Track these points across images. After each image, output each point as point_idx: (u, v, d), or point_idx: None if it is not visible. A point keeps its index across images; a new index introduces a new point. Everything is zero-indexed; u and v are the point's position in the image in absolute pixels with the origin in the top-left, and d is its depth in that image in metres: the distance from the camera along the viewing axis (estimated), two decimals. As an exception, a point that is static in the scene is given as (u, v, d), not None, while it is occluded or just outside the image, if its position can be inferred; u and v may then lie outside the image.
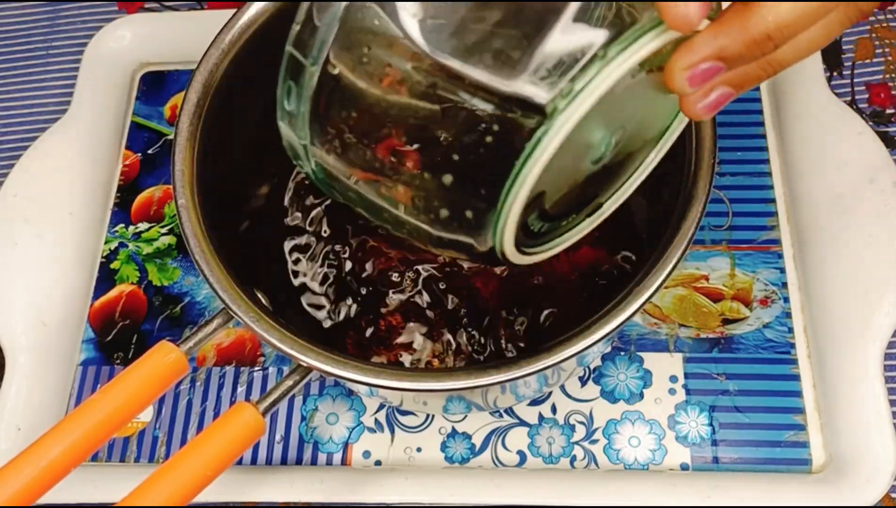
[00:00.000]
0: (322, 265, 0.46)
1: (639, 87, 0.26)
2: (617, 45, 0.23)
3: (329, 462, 0.43)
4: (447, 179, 0.25)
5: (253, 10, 0.38)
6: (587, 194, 0.30)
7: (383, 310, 0.45)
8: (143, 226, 0.51)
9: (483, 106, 0.23)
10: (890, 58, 0.52)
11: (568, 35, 0.23)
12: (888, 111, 0.51)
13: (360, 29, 0.24)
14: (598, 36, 0.23)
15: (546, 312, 0.44)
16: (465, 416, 0.44)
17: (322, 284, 0.46)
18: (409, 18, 0.24)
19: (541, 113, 0.23)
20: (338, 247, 0.47)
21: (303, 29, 0.25)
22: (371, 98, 0.25)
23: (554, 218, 0.29)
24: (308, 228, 0.47)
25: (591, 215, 0.31)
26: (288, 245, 0.47)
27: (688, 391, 0.43)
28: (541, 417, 0.43)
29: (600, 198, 0.31)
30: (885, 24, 0.53)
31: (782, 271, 0.46)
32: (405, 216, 0.27)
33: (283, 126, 0.28)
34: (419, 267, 0.45)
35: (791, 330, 0.44)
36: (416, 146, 0.25)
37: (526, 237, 0.28)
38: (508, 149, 0.24)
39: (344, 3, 0.24)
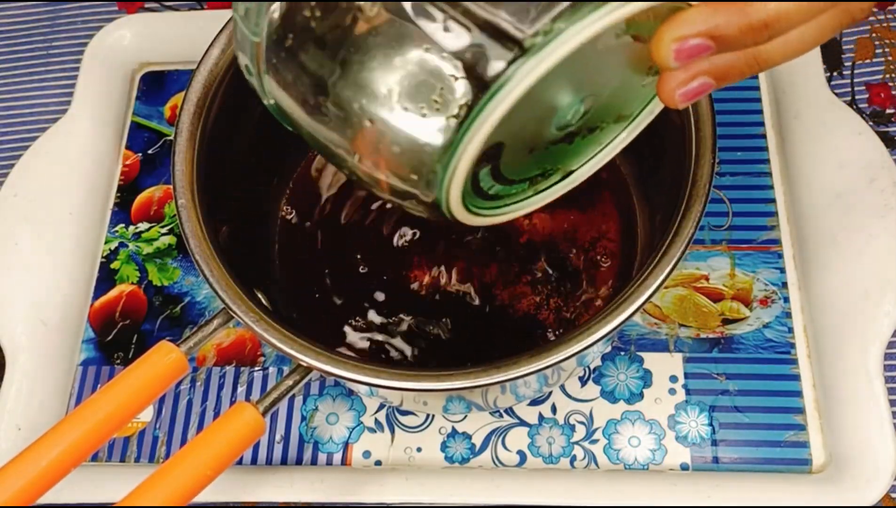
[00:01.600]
0: (322, 264, 0.46)
1: (619, 53, 0.25)
2: None
3: (329, 462, 0.43)
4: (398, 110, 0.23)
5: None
6: (545, 163, 0.29)
7: (381, 303, 0.45)
8: (143, 226, 0.51)
9: (456, 31, 0.22)
10: (890, 58, 0.52)
11: None
12: (888, 111, 0.51)
13: None
14: None
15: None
16: (466, 416, 0.44)
17: (323, 283, 0.46)
18: None
19: (518, 47, 0.21)
20: (338, 245, 0.47)
21: None
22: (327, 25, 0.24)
23: (506, 182, 0.28)
24: (308, 226, 0.48)
25: (545, 190, 0.29)
26: (288, 245, 0.47)
27: (688, 391, 0.43)
28: (541, 417, 0.43)
29: (557, 174, 0.30)
30: (885, 24, 0.53)
31: (782, 271, 0.46)
32: (346, 156, 0.26)
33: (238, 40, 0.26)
34: (417, 265, 0.45)
35: (791, 330, 0.44)
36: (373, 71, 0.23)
37: (476, 196, 0.26)
38: (474, 83, 0.22)
39: None
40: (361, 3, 0.23)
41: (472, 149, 0.23)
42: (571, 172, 0.30)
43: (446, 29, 0.22)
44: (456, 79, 0.22)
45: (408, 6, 0.22)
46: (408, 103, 0.23)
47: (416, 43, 0.22)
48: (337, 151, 0.26)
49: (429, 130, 0.23)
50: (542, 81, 0.22)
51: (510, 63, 0.21)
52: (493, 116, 0.22)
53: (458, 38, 0.22)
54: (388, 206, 0.47)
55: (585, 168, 0.30)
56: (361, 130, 0.24)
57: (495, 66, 0.21)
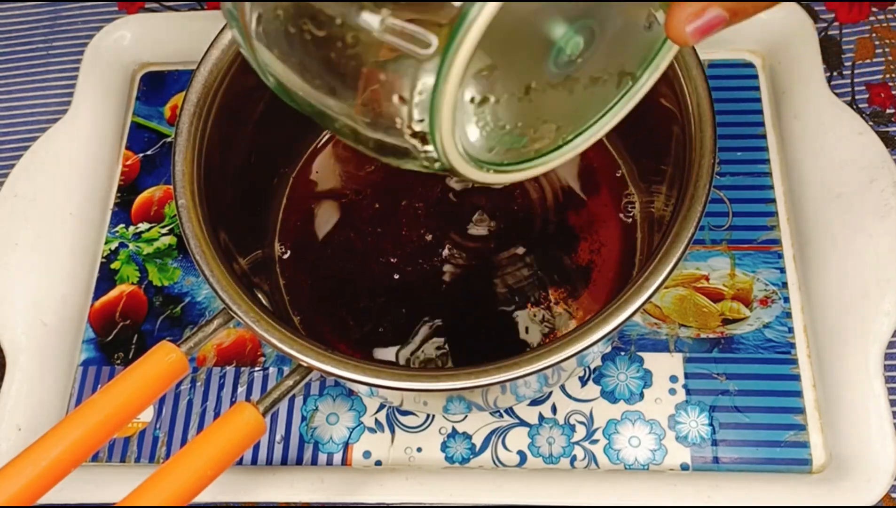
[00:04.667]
0: (322, 263, 0.46)
1: None
2: None
3: (329, 462, 0.43)
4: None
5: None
6: (553, 116, 0.28)
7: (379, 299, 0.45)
8: (143, 226, 0.51)
9: None
10: (890, 58, 0.52)
11: None
12: (888, 111, 0.51)
13: None
14: None
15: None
16: (466, 416, 0.44)
17: (323, 282, 0.46)
18: None
19: None
20: (338, 244, 0.47)
21: None
22: None
23: (504, 130, 0.26)
24: (307, 226, 0.48)
25: (559, 148, 0.28)
26: (288, 244, 0.47)
27: (688, 391, 0.43)
28: (541, 417, 0.43)
29: (569, 131, 0.29)
30: (885, 24, 0.53)
31: (782, 271, 0.46)
32: (337, 114, 0.25)
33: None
34: (418, 262, 0.46)
35: (791, 330, 0.44)
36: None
37: (478, 147, 0.26)
38: None
39: None
40: None
41: (462, 55, 0.21)
42: (573, 138, 0.29)
43: None
44: None
45: None
46: (392, 21, 0.22)
47: None
48: (329, 98, 0.25)
49: (416, 41, 0.22)
50: None
51: None
52: (481, 16, 0.21)
53: None
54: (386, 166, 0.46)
55: (588, 133, 0.29)
56: (351, 49, 0.23)
57: None
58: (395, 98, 0.23)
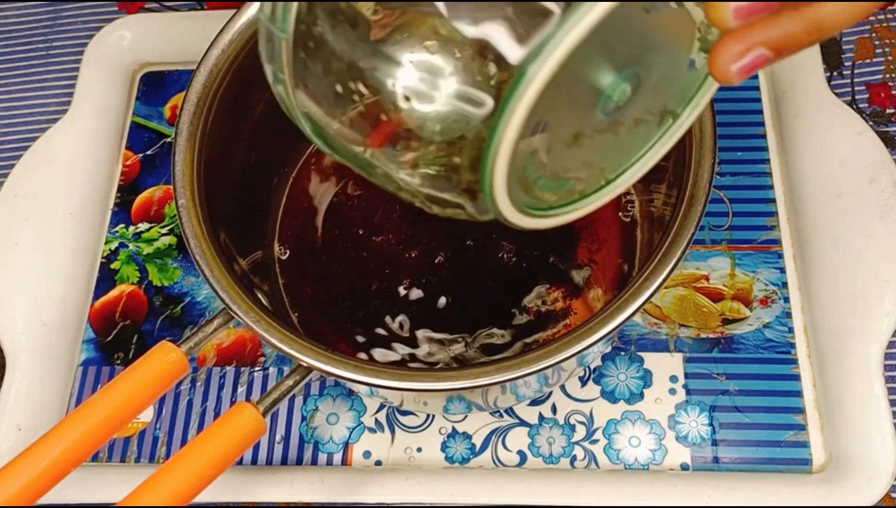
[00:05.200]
0: (322, 263, 0.46)
1: (664, 21, 0.24)
2: None
3: (329, 462, 0.43)
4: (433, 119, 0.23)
5: (253, 10, 0.38)
6: (591, 160, 0.28)
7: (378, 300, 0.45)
8: (143, 226, 0.51)
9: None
10: (890, 58, 0.52)
11: None
12: (888, 111, 0.51)
13: None
14: None
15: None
16: (466, 416, 0.44)
17: (323, 282, 0.46)
18: None
19: (557, 5, 0.20)
20: (338, 244, 0.47)
21: None
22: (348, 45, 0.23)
23: (552, 177, 0.27)
24: (307, 226, 0.48)
25: (602, 187, 0.29)
26: (287, 244, 0.47)
27: (688, 391, 0.43)
28: (541, 417, 0.43)
29: (612, 172, 0.29)
30: (885, 24, 0.53)
31: (782, 271, 0.46)
32: (389, 170, 0.25)
33: (268, 73, 0.26)
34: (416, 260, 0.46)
35: (791, 330, 0.44)
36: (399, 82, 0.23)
37: (526, 195, 0.26)
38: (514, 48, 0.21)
39: None
40: None
41: (517, 117, 0.22)
42: (616, 178, 0.29)
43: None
44: (497, 40, 0.21)
45: None
46: (446, 76, 0.22)
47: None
48: (375, 156, 0.25)
49: (472, 101, 0.22)
50: (584, 43, 0.21)
51: (555, 17, 0.21)
52: (536, 79, 0.21)
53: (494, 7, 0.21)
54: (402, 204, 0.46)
55: (631, 171, 0.29)
56: (397, 112, 0.23)
57: (535, 28, 0.21)
58: (452, 159, 0.24)
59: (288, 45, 0.25)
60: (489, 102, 0.22)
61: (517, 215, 0.26)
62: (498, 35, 0.21)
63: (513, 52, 0.21)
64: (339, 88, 0.24)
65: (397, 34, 0.23)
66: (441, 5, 0.22)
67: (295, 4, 0.24)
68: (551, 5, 0.21)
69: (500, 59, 0.21)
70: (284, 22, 0.24)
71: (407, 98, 0.23)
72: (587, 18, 0.21)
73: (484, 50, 0.22)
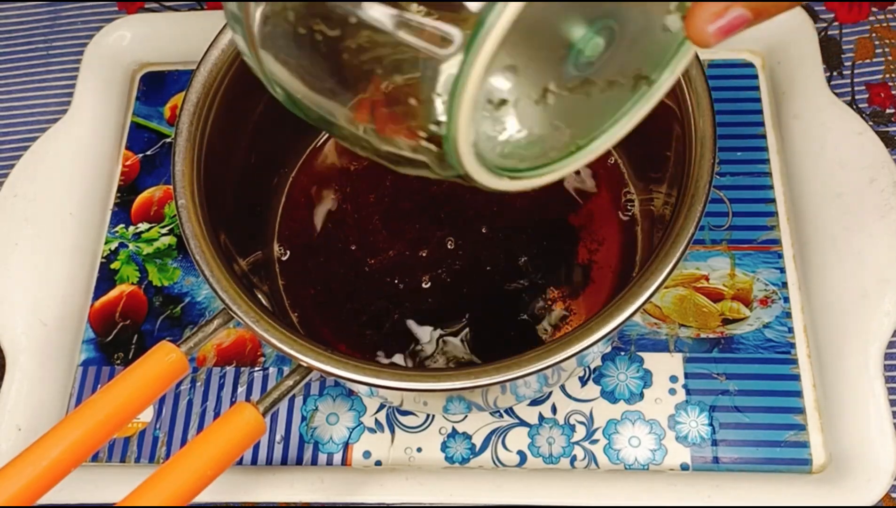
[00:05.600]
0: (322, 263, 0.46)
1: None
2: None
3: (329, 462, 0.43)
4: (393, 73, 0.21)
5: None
6: (568, 121, 0.27)
7: (380, 299, 0.45)
8: (143, 226, 0.51)
9: None
10: (890, 58, 0.52)
11: None
12: (888, 111, 0.51)
13: None
14: None
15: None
16: (466, 416, 0.44)
17: (323, 282, 0.46)
18: None
19: None
20: (338, 244, 0.47)
21: None
22: None
23: (521, 135, 0.26)
24: (307, 226, 0.48)
25: (573, 153, 0.28)
26: (287, 244, 0.47)
27: (688, 391, 0.43)
28: (541, 417, 0.43)
29: (583, 137, 0.28)
30: (884, 24, 0.53)
31: (782, 271, 0.46)
32: (348, 123, 0.24)
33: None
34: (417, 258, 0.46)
35: (791, 330, 0.44)
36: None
37: (494, 155, 0.25)
38: None
39: None
40: None
41: (485, 52, 0.21)
42: (588, 144, 0.28)
43: None
44: None
45: None
46: (412, 10, 0.21)
47: None
48: (338, 102, 0.24)
49: (433, 38, 0.21)
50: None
51: None
52: (508, 10, 0.20)
53: None
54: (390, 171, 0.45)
55: (602, 138, 0.28)
56: (365, 52, 0.22)
57: None
58: (411, 102, 0.23)
59: (248, 10, 0.24)
60: (457, 37, 0.21)
61: (482, 172, 0.25)
62: None
63: None
64: (298, 23, 0.23)
65: None
66: None
67: None
68: None
69: None
70: None
71: (366, 32, 0.22)
72: None
73: None
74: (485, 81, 0.21)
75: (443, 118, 0.22)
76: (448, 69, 0.21)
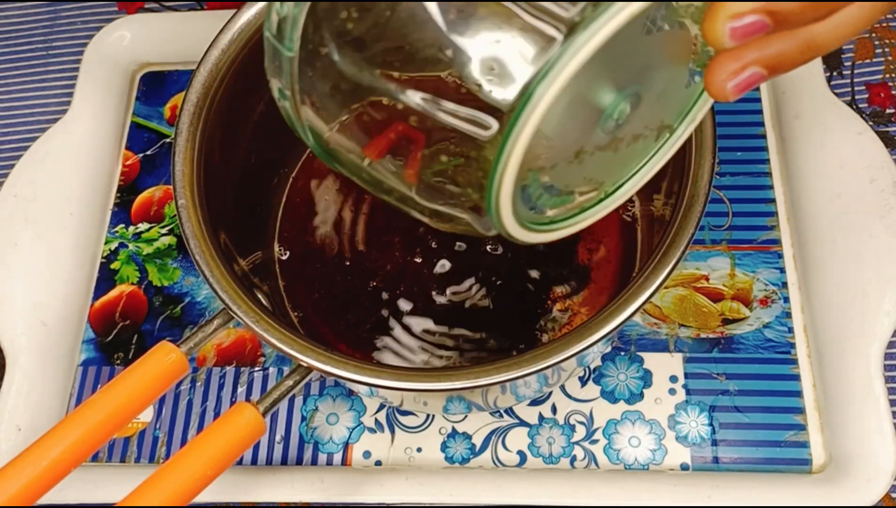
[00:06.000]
0: (322, 263, 0.46)
1: (663, 42, 0.24)
2: None
3: (329, 462, 0.43)
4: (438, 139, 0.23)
5: (253, 10, 0.38)
6: (598, 174, 0.28)
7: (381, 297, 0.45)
8: (143, 226, 0.51)
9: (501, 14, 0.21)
10: (890, 58, 0.52)
11: None
12: (888, 111, 0.51)
13: None
14: None
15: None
16: (466, 416, 0.44)
17: (323, 283, 0.46)
18: None
19: (565, 26, 0.21)
20: (338, 244, 0.47)
21: None
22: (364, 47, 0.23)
23: (554, 192, 0.27)
24: (307, 226, 0.48)
25: (601, 201, 0.29)
26: (287, 244, 0.47)
27: (688, 391, 0.43)
28: (541, 417, 0.43)
29: (611, 185, 0.29)
30: (885, 25, 0.53)
31: (782, 271, 0.46)
32: (393, 184, 0.26)
33: (273, 85, 0.26)
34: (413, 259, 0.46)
35: (791, 330, 0.44)
36: (410, 95, 0.23)
37: (528, 211, 0.26)
38: (521, 66, 0.21)
39: None
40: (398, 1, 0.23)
41: (523, 138, 0.22)
42: (615, 191, 0.30)
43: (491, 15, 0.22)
44: (502, 64, 0.22)
45: None
46: (454, 95, 0.22)
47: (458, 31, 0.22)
48: (378, 171, 0.26)
49: (476, 123, 0.22)
50: (587, 65, 0.21)
51: (558, 43, 0.21)
52: (543, 99, 0.21)
53: (509, 19, 0.22)
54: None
55: (628, 185, 0.30)
56: (403, 129, 0.24)
57: (541, 51, 0.21)
58: (458, 181, 0.24)
59: (294, 63, 0.25)
60: (494, 124, 0.22)
61: (521, 231, 0.26)
62: (505, 56, 0.22)
63: (520, 72, 0.21)
64: (345, 104, 0.25)
65: (404, 56, 0.23)
66: (446, 32, 0.22)
67: (301, 23, 0.24)
68: (552, 31, 0.21)
69: (503, 81, 0.22)
70: (291, 41, 0.25)
71: (412, 116, 0.23)
72: (591, 42, 0.21)
73: (488, 72, 0.22)
74: (523, 161, 0.23)
75: (484, 193, 0.24)
76: (489, 151, 0.23)
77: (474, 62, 0.22)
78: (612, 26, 0.21)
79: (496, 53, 0.22)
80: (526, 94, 0.21)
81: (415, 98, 0.23)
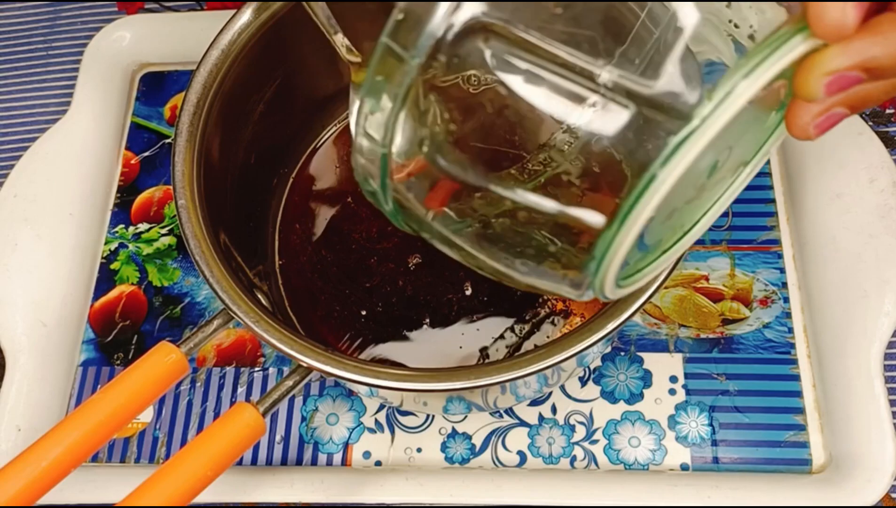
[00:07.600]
0: (322, 263, 0.46)
1: (758, 102, 0.25)
2: (761, 50, 0.22)
3: (329, 463, 0.43)
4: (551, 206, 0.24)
5: (253, 10, 0.38)
6: (683, 222, 0.29)
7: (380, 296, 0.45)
8: (143, 226, 0.51)
9: (620, 106, 0.22)
10: (890, 58, 0.52)
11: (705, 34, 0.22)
12: (888, 111, 0.51)
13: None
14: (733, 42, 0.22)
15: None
16: (466, 416, 0.44)
17: (323, 283, 0.46)
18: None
19: (682, 117, 0.22)
20: (337, 244, 0.47)
21: (405, 21, 0.23)
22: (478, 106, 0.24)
23: (650, 249, 0.28)
24: (307, 226, 0.48)
25: (680, 239, 0.30)
26: (287, 244, 0.47)
27: (688, 392, 0.43)
28: (541, 417, 0.43)
29: (689, 224, 0.30)
30: (885, 25, 0.53)
31: (782, 271, 0.46)
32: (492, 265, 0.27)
33: (361, 144, 0.26)
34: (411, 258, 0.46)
35: (791, 330, 0.44)
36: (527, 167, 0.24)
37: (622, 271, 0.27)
38: (640, 155, 0.22)
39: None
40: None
41: (641, 219, 0.23)
42: (692, 228, 0.30)
43: (605, 108, 0.23)
44: (622, 157, 0.23)
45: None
46: (559, 200, 0.24)
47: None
48: (494, 261, 0.27)
49: (583, 219, 0.24)
50: (707, 144, 0.22)
51: (678, 135, 0.22)
52: (666, 183, 0.22)
53: (620, 114, 0.23)
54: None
55: (704, 220, 0.30)
56: (513, 213, 0.25)
57: (663, 141, 0.22)
58: (563, 264, 0.25)
59: (391, 160, 0.26)
60: (601, 220, 0.24)
61: (617, 292, 0.27)
62: (631, 145, 0.23)
63: (643, 156, 0.22)
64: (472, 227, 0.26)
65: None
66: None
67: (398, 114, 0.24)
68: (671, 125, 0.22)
69: (611, 171, 0.23)
70: (386, 137, 0.25)
71: (519, 208, 0.24)
72: (711, 129, 0.22)
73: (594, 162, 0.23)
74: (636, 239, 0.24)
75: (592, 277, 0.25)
76: (602, 241, 0.24)
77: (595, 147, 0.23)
78: (733, 109, 0.21)
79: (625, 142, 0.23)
80: (650, 175, 0.22)
81: (526, 196, 0.24)
